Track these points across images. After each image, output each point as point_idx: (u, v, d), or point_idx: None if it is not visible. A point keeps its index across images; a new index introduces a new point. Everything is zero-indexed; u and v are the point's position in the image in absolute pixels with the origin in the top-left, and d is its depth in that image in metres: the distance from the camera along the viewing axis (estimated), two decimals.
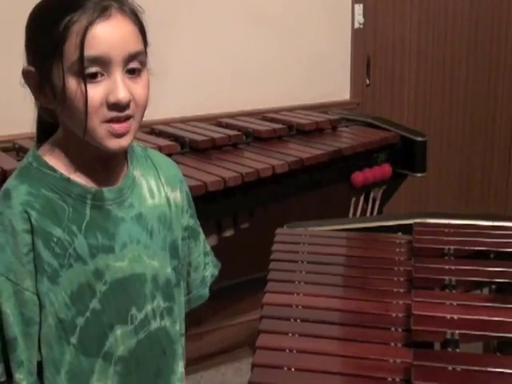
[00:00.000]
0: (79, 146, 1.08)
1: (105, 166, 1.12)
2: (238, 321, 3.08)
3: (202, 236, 1.35)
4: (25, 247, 1.04)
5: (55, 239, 1.05)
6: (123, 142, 1.06)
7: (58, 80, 1.02)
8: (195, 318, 2.98)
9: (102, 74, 1.02)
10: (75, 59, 0.99)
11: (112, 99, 1.02)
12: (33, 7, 1.05)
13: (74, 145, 1.09)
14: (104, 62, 1.01)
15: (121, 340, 1.12)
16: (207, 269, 1.37)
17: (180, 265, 1.26)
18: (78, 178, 1.09)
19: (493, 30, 3.86)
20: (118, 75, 1.03)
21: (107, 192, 1.11)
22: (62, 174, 1.08)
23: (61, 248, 1.06)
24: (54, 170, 1.08)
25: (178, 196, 1.24)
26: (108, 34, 1.01)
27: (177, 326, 1.22)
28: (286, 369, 1.18)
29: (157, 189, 1.20)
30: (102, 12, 1.00)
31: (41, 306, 1.07)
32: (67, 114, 1.05)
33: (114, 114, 1.03)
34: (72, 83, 1.01)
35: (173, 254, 1.22)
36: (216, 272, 1.39)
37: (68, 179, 1.08)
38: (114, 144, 1.06)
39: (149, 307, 1.16)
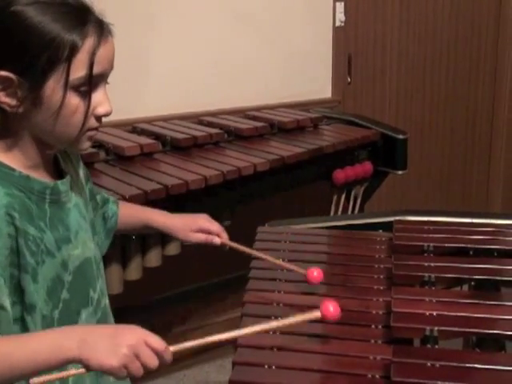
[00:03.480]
0: (34, 147, 1.09)
1: (51, 159, 1.15)
2: (221, 319, 3.08)
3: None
4: (6, 250, 1.02)
5: (31, 238, 1.05)
6: (91, 143, 1.13)
7: (52, 92, 1.02)
8: (178, 316, 2.98)
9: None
10: (81, 77, 1.03)
11: (102, 112, 1.08)
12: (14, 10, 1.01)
13: (27, 146, 1.09)
14: (99, 78, 1.06)
15: (86, 322, 1.16)
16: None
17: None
18: (35, 175, 1.10)
19: (473, 29, 3.89)
20: (105, 89, 1.09)
21: (61, 185, 1.13)
22: (20, 172, 1.07)
23: (35, 246, 1.06)
24: (12, 169, 1.07)
25: (82, 173, 1.28)
26: (107, 53, 1.06)
27: (108, 301, 1.27)
28: (266, 366, 1.18)
29: (75, 173, 1.23)
30: (103, 31, 1.05)
31: (31, 308, 1.06)
32: (50, 123, 1.05)
33: (98, 123, 1.10)
34: (73, 99, 1.03)
35: (94, 231, 1.26)
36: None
37: (27, 176, 1.08)
38: (87, 145, 1.12)
39: (98, 287, 1.21)
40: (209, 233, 1.43)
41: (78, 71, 1.02)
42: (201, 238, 1.43)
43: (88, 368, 0.95)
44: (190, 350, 1.04)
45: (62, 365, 0.95)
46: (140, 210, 1.48)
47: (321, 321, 1.18)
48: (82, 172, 1.28)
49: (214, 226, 1.44)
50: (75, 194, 1.19)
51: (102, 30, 1.04)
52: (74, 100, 1.04)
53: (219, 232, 1.44)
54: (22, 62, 1.01)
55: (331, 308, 1.18)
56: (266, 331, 1.19)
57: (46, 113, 1.04)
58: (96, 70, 1.03)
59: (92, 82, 1.04)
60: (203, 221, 1.44)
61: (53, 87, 1.02)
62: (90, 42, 1.02)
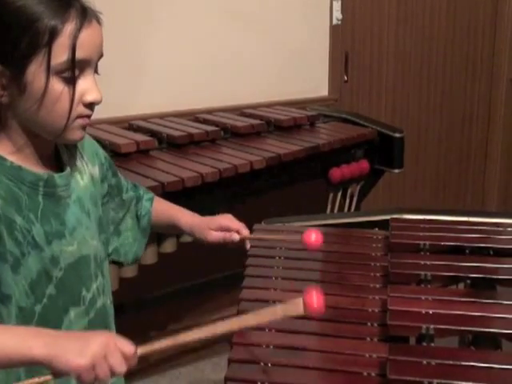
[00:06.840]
0: (23, 137, 1.08)
1: (52, 151, 1.14)
2: (217, 316, 3.07)
3: (123, 180, 1.38)
4: None
5: (18, 227, 1.04)
6: (85, 132, 1.11)
7: (34, 78, 1.01)
8: (173, 314, 2.97)
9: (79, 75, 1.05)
10: (63, 62, 1.01)
11: (90, 99, 1.06)
12: None
13: (16, 136, 1.07)
14: (84, 64, 1.04)
15: (74, 321, 1.14)
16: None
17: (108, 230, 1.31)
18: (28, 166, 1.08)
19: (469, 28, 3.89)
20: (93, 76, 1.07)
21: (58, 178, 1.12)
22: (12, 162, 1.06)
23: (21, 236, 1.05)
24: (4, 159, 1.06)
25: (97, 170, 1.26)
26: (91, 38, 1.04)
27: (109, 301, 1.25)
28: (262, 364, 1.18)
29: (83, 169, 1.21)
30: (86, 17, 1.03)
31: (6, 298, 1.04)
32: (36, 110, 1.04)
33: (88, 111, 1.08)
34: (57, 85, 1.02)
35: (100, 228, 1.24)
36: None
37: (19, 167, 1.07)
38: (79, 135, 1.10)
39: (94, 286, 1.19)
40: (228, 230, 1.41)
41: (60, 56, 1.01)
42: (219, 236, 1.41)
43: (53, 369, 0.92)
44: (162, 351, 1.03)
45: (25, 363, 0.94)
46: (170, 209, 1.45)
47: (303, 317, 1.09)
48: (97, 167, 1.26)
49: (234, 223, 1.42)
50: (79, 188, 1.17)
51: (85, 14, 1.03)
52: (57, 86, 1.02)
53: (239, 228, 1.41)
54: (4, 48, 1.00)
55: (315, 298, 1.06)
56: (240, 328, 1.14)
57: (30, 100, 1.02)
58: (79, 54, 1.02)
59: (75, 67, 1.02)
60: (223, 219, 1.42)
61: (35, 72, 1.01)
62: (71, 26, 1.00)
